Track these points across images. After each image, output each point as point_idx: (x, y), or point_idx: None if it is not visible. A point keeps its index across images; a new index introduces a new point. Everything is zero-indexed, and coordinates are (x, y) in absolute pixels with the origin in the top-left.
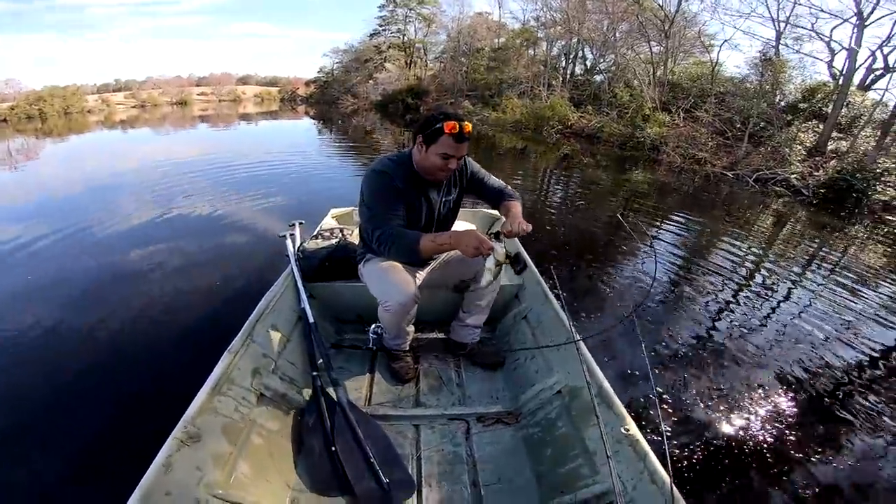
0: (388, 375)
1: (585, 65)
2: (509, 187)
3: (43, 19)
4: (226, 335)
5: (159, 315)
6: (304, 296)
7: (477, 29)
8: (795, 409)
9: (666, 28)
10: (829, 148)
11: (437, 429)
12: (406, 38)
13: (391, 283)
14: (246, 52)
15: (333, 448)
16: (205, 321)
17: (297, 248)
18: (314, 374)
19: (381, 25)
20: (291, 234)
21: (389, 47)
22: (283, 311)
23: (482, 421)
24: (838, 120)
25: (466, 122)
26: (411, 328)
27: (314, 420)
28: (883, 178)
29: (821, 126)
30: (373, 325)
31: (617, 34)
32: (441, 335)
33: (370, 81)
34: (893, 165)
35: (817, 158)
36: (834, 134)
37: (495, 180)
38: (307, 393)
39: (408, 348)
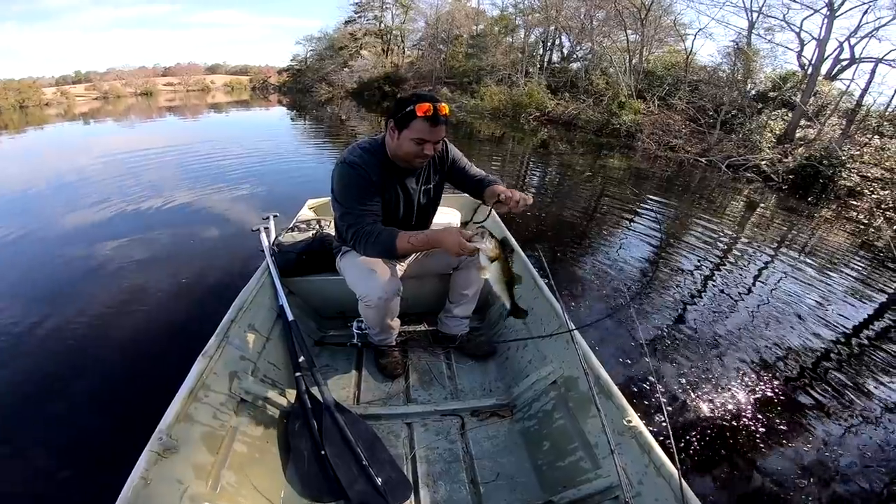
0: (375, 372)
1: (562, 52)
2: (490, 175)
3: (10, 10)
4: (199, 338)
5: (126, 318)
6: (281, 292)
7: (455, 16)
8: (797, 392)
9: (642, 16)
10: (798, 135)
11: (431, 426)
12: (383, 25)
13: (370, 278)
14: (215, 41)
15: (323, 452)
16: (175, 324)
17: (272, 242)
18: (297, 374)
19: (356, 12)
20: (266, 228)
21: (365, 34)
22: (260, 310)
23: (476, 415)
24: (806, 109)
25: (442, 104)
26: (396, 322)
27: (300, 423)
28: (848, 165)
29: (790, 114)
30: (356, 321)
31: (594, 22)
32: (429, 327)
33: (345, 69)
34: (858, 153)
35: (786, 146)
36: (802, 122)
37: (476, 169)
38: (291, 395)
39: (394, 343)
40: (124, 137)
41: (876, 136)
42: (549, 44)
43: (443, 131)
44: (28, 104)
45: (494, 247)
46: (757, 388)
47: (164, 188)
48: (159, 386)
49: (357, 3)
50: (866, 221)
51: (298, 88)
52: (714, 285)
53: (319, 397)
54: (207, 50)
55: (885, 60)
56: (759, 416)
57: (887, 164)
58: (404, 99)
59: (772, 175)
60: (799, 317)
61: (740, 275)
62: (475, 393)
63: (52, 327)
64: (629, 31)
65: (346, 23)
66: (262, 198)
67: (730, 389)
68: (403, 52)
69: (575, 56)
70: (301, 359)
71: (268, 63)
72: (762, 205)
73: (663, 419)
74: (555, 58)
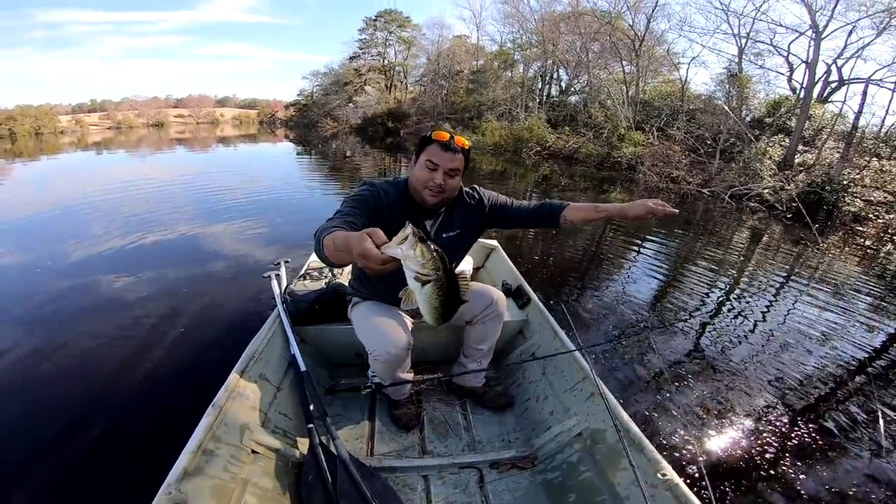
0: (389, 422)
1: (560, 86)
2: (545, 199)
3: (30, 35)
4: (207, 386)
5: (131, 364)
6: (293, 342)
7: (456, 52)
8: (831, 429)
9: (637, 47)
10: (797, 161)
11: (448, 479)
12: (386, 62)
13: (380, 332)
14: (225, 73)
15: None
16: (184, 371)
17: (283, 290)
18: (309, 425)
19: (360, 48)
20: (277, 275)
21: (369, 70)
22: (271, 360)
23: (496, 467)
24: (802, 133)
25: (460, 136)
26: (409, 374)
27: (313, 476)
28: (850, 190)
29: (787, 140)
30: (370, 370)
31: (590, 54)
32: (444, 375)
33: (350, 104)
34: (858, 176)
35: (787, 172)
36: (800, 147)
37: (524, 201)
38: (303, 446)
39: (408, 394)
40: (135, 169)
41: (874, 159)
42: (547, 77)
43: (457, 161)
44: (44, 131)
45: (426, 261)
46: (790, 427)
47: (171, 223)
48: (167, 436)
49: (361, 40)
50: (874, 248)
51: (304, 123)
52: (734, 321)
53: (333, 449)
54: (217, 81)
55: (874, 80)
56: (796, 458)
57: (889, 186)
58: (426, 131)
59: (775, 204)
60: (823, 348)
61: (755, 309)
62: (493, 444)
63: (52, 372)
64: (624, 63)
65: (351, 58)
66: (270, 238)
67: (761, 428)
68: (406, 87)
69: (573, 89)
70: (313, 409)
71: (275, 97)
72: (768, 234)
73: (697, 470)
74: (553, 91)
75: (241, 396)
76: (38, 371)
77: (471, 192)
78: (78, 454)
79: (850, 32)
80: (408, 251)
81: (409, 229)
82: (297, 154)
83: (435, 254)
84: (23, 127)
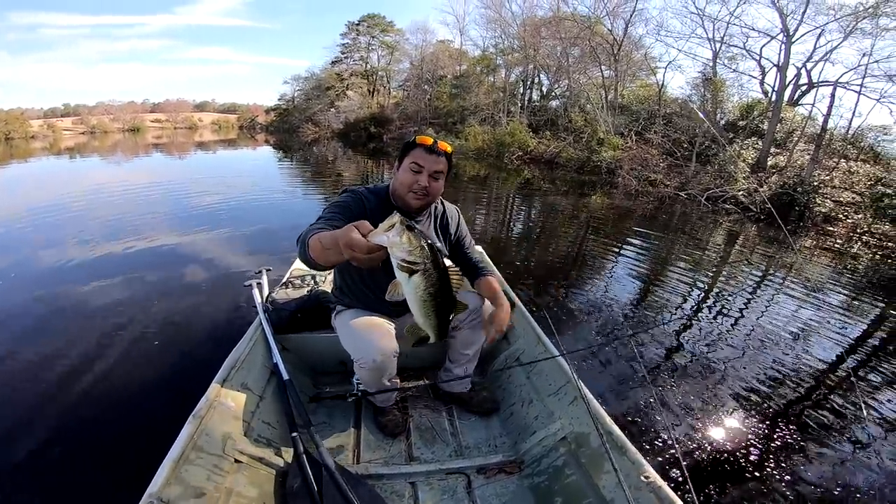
0: (375, 429)
1: (542, 90)
2: (488, 266)
3: (4, 38)
4: (188, 394)
5: (110, 372)
6: (275, 350)
7: (439, 57)
8: (817, 426)
9: (615, 51)
10: (770, 163)
11: (436, 485)
12: (369, 66)
13: (365, 339)
14: (204, 77)
15: None
16: (163, 379)
17: (265, 298)
18: (293, 434)
19: (343, 53)
20: (258, 283)
21: (352, 75)
22: (253, 368)
23: (483, 472)
24: (774, 135)
25: (443, 141)
26: (395, 380)
27: (298, 484)
28: (820, 191)
29: (759, 142)
30: (355, 376)
31: (570, 59)
32: (429, 381)
33: (332, 109)
34: (828, 177)
35: (760, 174)
36: (772, 149)
37: (476, 250)
38: (288, 455)
39: (394, 401)
40: (109, 174)
41: (842, 160)
42: (528, 82)
43: (440, 164)
44: (14, 136)
45: (413, 248)
46: (772, 424)
47: (148, 230)
48: (148, 446)
49: (344, 44)
50: (843, 248)
51: (285, 128)
52: (714, 321)
53: (318, 458)
54: (197, 86)
55: (841, 83)
56: (779, 455)
57: (857, 187)
58: (410, 138)
59: (749, 206)
60: (800, 345)
61: (732, 309)
62: (480, 449)
63: (27, 382)
64: (603, 67)
65: (333, 63)
66: (251, 244)
67: (744, 427)
68: (389, 92)
69: (554, 94)
70: (297, 417)
71: (255, 102)
72: (743, 235)
73: (680, 473)
74: (535, 96)
75: (223, 406)
76: (11, 380)
77: (454, 212)
78: (57, 465)
79: (819, 36)
80: (394, 238)
81: (396, 217)
82: (278, 160)
83: (423, 241)
84: None
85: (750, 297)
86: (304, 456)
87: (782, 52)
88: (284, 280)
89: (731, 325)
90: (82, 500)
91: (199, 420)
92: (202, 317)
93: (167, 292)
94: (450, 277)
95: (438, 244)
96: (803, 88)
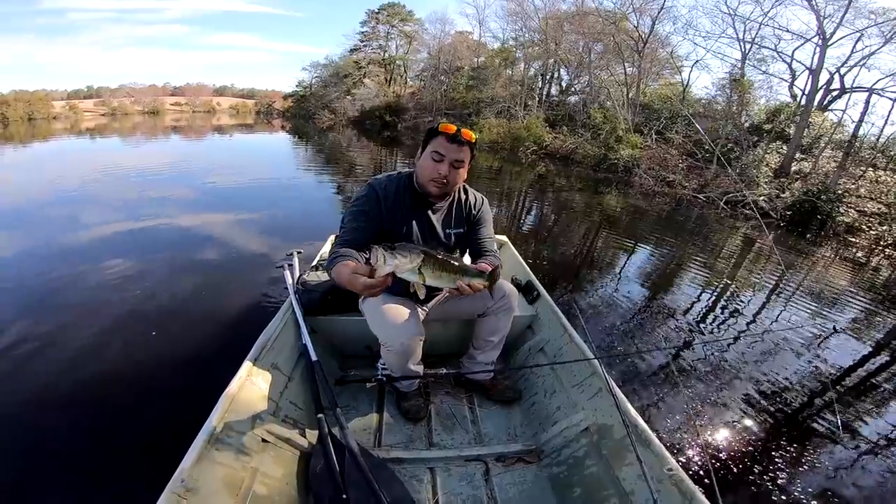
0: (397, 413)
1: (561, 85)
2: (495, 254)
3: (34, 22)
4: (219, 374)
5: (142, 352)
6: (305, 332)
7: (457, 48)
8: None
9: (640, 48)
10: (794, 169)
11: (454, 471)
12: (387, 55)
13: (392, 323)
14: (226, 63)
15: (345, 496)
16: (194, 359)
17: (296, 280)
18: (319, 415)
19: (362, 41)
20: (290, 265)
21: (369, 63)
22: (283, 349)
23: (502, 461)
24: (800, 141)
25: (466, 129)
26: (419, 366)
27: (322, 465)
28: (845, 200)
29: (784, 147)
30: (380, 361)
31: (592, 55)
32: (451, 370)
33: (348, 97)
34: (854, 186)
35: (783, 180)
36: (797, 155)
37: (492, 241)
38: (312, 436)
39: (416, 387)
40: (130, 155)
41: (870, 169)
42: (547, 77)
43: (462, 153)
44: (37, 116)
45: (408, 259)
46: (799, 426)
47: (170, 211)
48: (179, 424)
49: (363, 32)
50: (864, 260)
51: (301, 114)
52: (737, 324)
53: (342, 439)
54: (218, 71)
55: (876, 89)
56: (804, 457)
57: (884, 198)
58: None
59: (770, 212)
60: (827, 352)
61: (752, 314)
62: (500, 438)
63: (60, 359)
64: (626, 64)
65: (352, 51)
66: (281, 226)
67: (769, 426)
68: (406, 81)
69: (573, 89)
70: (323, 399)
71: (274, 88)
72: (761, 243)
73: (703, 465)
74: (553, 91)
75: (253, 385)
76: (47, 358)
77: (478, 201)
78: (92, 442)
79: (858, 40)
80: (391, 262)
81: (378, 252)
82: (294, 145)
83: (410, 250)
84: (15, 112)
85: (766, 301)
86: (329, 437)
87: (816, 56)
88: (314, 262)
89: (748, 326)
90: (115, 476)
91: (231, 399)
92: (235, 297)
93: (202, 273)
94: (449, 258)
95: (421, 246)
96: (835, 93)
